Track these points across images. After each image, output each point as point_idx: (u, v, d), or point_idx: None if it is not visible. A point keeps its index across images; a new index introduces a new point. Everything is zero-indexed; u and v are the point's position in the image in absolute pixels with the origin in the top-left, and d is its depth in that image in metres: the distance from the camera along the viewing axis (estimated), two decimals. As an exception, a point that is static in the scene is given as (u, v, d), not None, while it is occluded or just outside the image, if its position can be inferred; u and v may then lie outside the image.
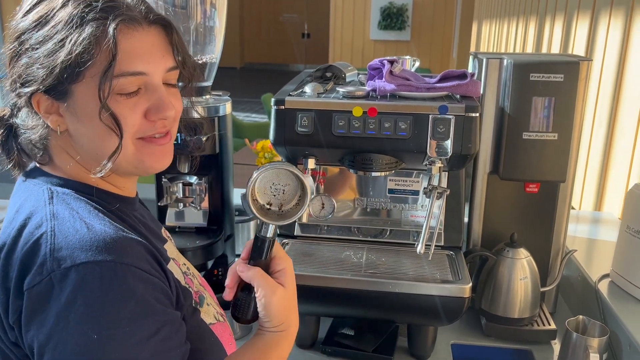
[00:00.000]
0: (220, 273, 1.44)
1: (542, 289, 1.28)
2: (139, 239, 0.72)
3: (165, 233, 0.92)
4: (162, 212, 1.44)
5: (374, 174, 1.12)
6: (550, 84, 1.16)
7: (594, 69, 2.19)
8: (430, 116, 1.06)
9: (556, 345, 1.24)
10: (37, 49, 0.71)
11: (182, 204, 1.42)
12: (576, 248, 1.37)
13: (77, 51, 0.69)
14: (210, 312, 0.86)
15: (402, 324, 1.24)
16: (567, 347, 1.12)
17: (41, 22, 0.72)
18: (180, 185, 1.40)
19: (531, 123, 1.18)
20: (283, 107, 1.09)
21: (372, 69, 1.17)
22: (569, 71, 1.15)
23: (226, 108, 1.39)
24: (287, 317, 0.83)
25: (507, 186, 1.29)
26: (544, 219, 1.31)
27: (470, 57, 1.40)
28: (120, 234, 0.70)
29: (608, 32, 2.17)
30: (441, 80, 1.12)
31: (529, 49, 3.69)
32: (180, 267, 0.84)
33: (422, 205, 1.24)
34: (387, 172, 1.13)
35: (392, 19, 9.07)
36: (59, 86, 0.72)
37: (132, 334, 0.65)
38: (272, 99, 1.09)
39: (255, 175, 0.79)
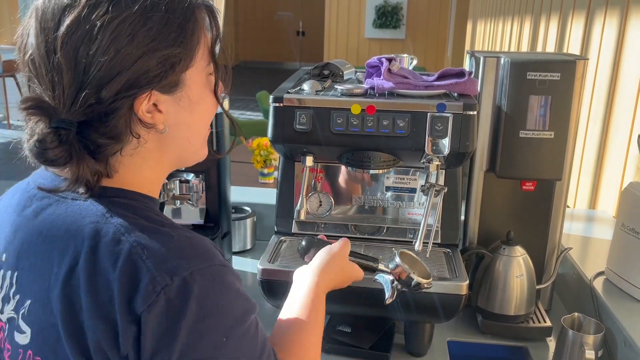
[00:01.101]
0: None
1: (537, 287, 1.28)
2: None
3: None
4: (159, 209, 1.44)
5: (371, 171, 1.12)
6: (547, 82, 1.16)
7: (589, 68, 2.20)
8: (429, 114, 1.06)
9: (552, 343, 1.25)
10: (141, 40, 0.65)
11: (179, 201, 1.42)
12: (571, 246, 1.37)
13: (192, 32, 0.68)
14: None
15: (399, 322, 1.24)
16: (562, 344, 1.13)
17: (144, 15, 0.65)
18: (177, 182, 1.40)
19: (528, 121, 1.18)
20: (281, 104, 1.09)
21: (370, 67, 1.17)
22: (565, 70, 1.16)
23: (223, 106, 1.39)
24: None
25: (504, 184, 1.29)
26: (539, 217, 1.32)
27: (467, 56, 1.41)
28: (199, 237, 0.68)
29: (603, 31, 2.18)
30: (439, 78, 1.13)
31: (524, 47, 3.70)
32: None
33: (419, 203, 1.24)
34: (385, 170, 1.13)
35: (387, 17, 9.08)
36: (172, 77, 0.68)
37: (249, 327, 0.66)
38: (271, 96, 1.09)
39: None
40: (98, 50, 0.63)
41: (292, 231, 1.27)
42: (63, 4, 0.65)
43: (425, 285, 0.96)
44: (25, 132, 0.69)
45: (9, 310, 0.71)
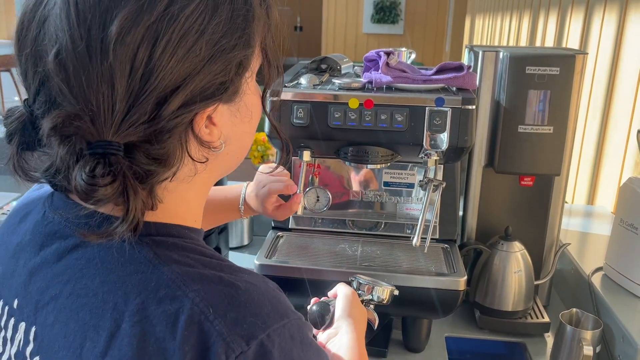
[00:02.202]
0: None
1: (535, 282, 1.28)
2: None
3: None
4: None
5: (369, 166, 1.11)
6: (546, 77, 1.16)
7: (588, 63, 2.19)
8: (427, 108, 1.05)
9: (549, 338, 1.24)
10: (210, 38, 0.52)
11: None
12: (570, 242, 1.37)
13: (253, 26, 0.56)
14: None
15: (397, 317, 1.24)
16: (560, 340, 1.12)
17: (210, 5, 0.52)
18: (174, 177, 1.39)
19: (527, 116, 1.18)
20: (279, 98, 1.08)
21: (368, 61, 1.16)
22: (564, 64, 1.15)
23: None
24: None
25: (502, 179, 1.28)
26: (538, 213, 1.31)
27: (466, 50, 1.40)
28: (263, 281, 0.56)
29: (602, 26, 2.17)
30: (437, 72, 1.12)
31: (523, 42, 3.69)
32: None
33: (417, 198, 1.23)
34: (383, 165, 1.12)
35: (385, 12, 9.06)
36: (232, 86, 0.56)
37: None
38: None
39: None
40: (164, 53, 0.49)
41: (290, 226, 1.27)
42: None
43: (394, 292, 0.95)
44: (33, 155, 0.54)
45: None
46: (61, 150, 0.50)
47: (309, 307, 0.86)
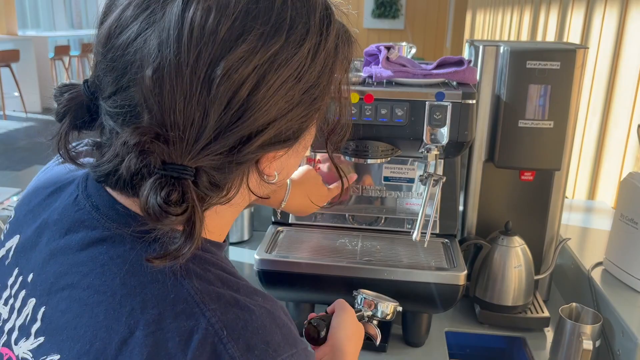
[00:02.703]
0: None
1: (535, 277, 1.28)
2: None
3: None
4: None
5: (369, 161, 1.11)
6: (547, 71, 1.15)
7: (589, 58, 2.19)
8: (427, 103, 1.05)
9: (549, 333, 1.25)
10: (302, 87, 0.53)
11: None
12: (570, 236, 1.37)
13: (334, 72, 0.57)
14: None
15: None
16: (560, 334, 1.13)
17: (311, 54, 0.53)
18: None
19: (527, 111, 1.17)
20: (278, 93, 1.07)
21: (368, 55, 1.16)
22: (565, 59, 1.15)
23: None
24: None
25: (502, 174, 1.28)
26: (538, 208, 1.31)
27: (466, 45, 1.39)
28: (276, 306, 0.56)
29: (603, 20, 2.17)
30: (438, 66, 1.11)
31: (524, 37, 3.68)
32: None
33: (417, 193, 1.23)
34: (383, 160, 1.12)
35: (385, 7, 9.03)
36: (306, 130, 0.58)
37: None
38: (268, 85, 1.08)
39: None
40: (263, 95, 0.50)
41: (290, 221, 1.27)
42: (235, 27, 0.49)
43: (398, 308, 0.96)
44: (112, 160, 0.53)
45: (25, 349, 0.56)
46: (133, 161, 0.49)
47: (305, 322, 0.86)
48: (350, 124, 0.71)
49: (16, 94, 7.67)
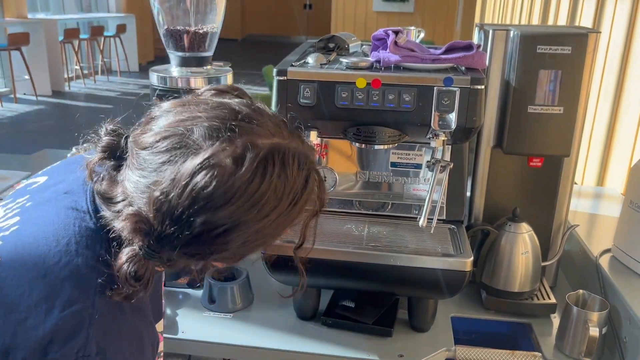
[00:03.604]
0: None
1: (542, 264, 1.27)
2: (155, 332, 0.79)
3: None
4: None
5: (376, 146, 1.10)
6: (557, 56, 1.14)
7: (601, 42, 2.15)
8: (435, 88, 1.04)
9: (556, 319, 1.24)
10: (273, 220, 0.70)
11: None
12: (578, 223, 1.36)
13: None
14: None
15: (403, 297, 1.24)
16: (566, 321, 1.12)
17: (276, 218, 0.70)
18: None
19: (537, 96, 1.16)
20: (285, 77, 1.07)
21: (376, 40, 1.15)
22: (576, 43, 1.13)
23: (227, 79, 1.37)
24: None
25: (511, 160, 1.27)
26: (546, 194, 1.30)
27: (476, 29, 1.37)
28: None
29: (616, 4, 2.13)
30: (447, 51, 1.10)
31: (535, 21, 3.63)
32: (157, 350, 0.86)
33: (424, 179, 1.23)
34: (390, 145, 1.12)
35: (395, -10, 8.92)
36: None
37: None
38: (274, 70, 1.07)
39: None
40: (225, 241, 0.68)
41: (296, 206, 1.26)
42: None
43: None
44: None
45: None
46: (126, 228, 0.67)
47: None
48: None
49: (26, 77, 7.68)
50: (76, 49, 8.67)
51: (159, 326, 0.86)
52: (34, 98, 7.67)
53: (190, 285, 1.35)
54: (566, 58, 1.14)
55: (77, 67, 8.84)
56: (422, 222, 1.04)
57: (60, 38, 8.32)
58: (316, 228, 0.86)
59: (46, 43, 7.92)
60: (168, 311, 1.24)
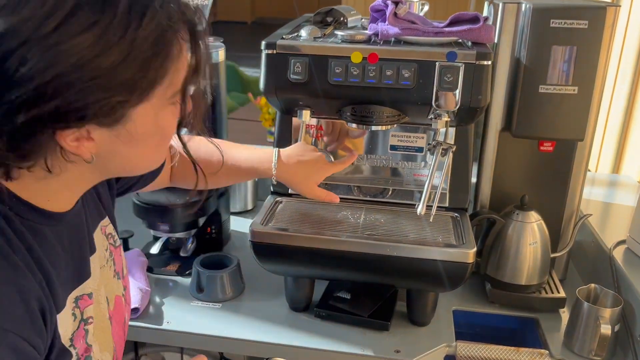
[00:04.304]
0: (213, 231, 1.37)
1: (552, 255, 1.20)
2: (30, 287, 0.62)
3: (102, 234, 0.82)
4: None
5: (373, 127, 1.02)
6: (573, 31, 1.05)
7: (620, 17, 2.04)
8: (437, 64, 0.95)
9: (565, 315, 1.17)
10: (88, 73, 0.54)
11: (171, 158, 1.34)
12: (591, 212, 1.28)
13: (158, 67, 0.58)
14: None
15: (401, 289, 1.17)
16: (576, 317, 1.06)
17: (97, 34, 0.54)
18: (170, 137, 1.32)
19: (549, 75, 1.08)
20: (274, 51, 0.99)
21: (374, 11, 1.06)
22: (594, 17, 1.05)
23: (219, 55, 1.30)
24: None
25: (520, 144, 1.20)
26: (558, 181, 1.22)
27: (486, 3, 1.29)
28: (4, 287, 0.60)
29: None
30: (451, 24, 1.02)
31: None
32: (81, 312, 0.72)
33: (427, 164, 1.15)
34: (389, 126, 1.04)
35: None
36: (115, 115, 0.58)
37: None
38: (263, 42, 0.99)
39: None
40: (33, 67, 0.52)
41: (290, 192, 1.19)
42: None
43: None
44: None
45: None
46: None
47: None
48: (201, 111, 0.71)
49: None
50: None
51: (85, 288, 0.73)
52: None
53: (180, 272, 1.29)
54: (582, 33, 1.06)
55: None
56: (420, 209, 0.96)
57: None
58: (203, 102, 0.70)
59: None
60: (155, 299, 1.19)
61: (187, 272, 1.27)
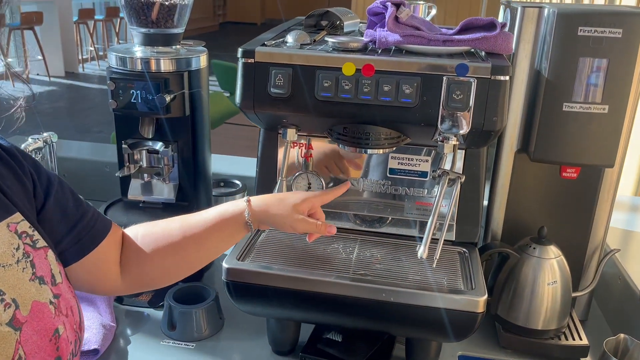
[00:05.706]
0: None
1: (573, 294, 1.06)
2: None
3: (8, 230, 0.71)
4: (125, 182, 1.24)
5: (369, 151, 0.88)
6: (604, 40, 0.92)
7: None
8: (445, 78, 0.81)
9: (588, 366, 1.02)
10: None
11: (146, 174, 1.21)
12: (615, 242, 1.14)
13: None
14: None
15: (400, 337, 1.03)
16: (603, 374, 0.91)
17: None
18: (145, 152, 1.19)
19: (575, 91, 0.96)
20: (252, 60, 0.84)
21: (372, 15, 0.92)
22: (629, 25, 0.91)
23: (200, 61, 1.16)
24: None
25: (539, 169, 1.07)
26: (581, 211, 1.09)
27: (501, 7, 1.15)
28: None
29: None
30: (462, 31, 0.87)
31: None
32: None
33: (431, 191, 1.00)
34: (387, 150, 0.89)
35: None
36: None
37: None
38: (239, 49, 0.85)
39: None
40: None
41: (275, 217, 1.05)
42: None
43: None
44: None
45: None
46: None
47: None
48: None
49: (39, 57, 7.65)
50: (91, 30, 8.61)
51: None
52: (47, 79, 7.65)
53: (152, 304, 1.16)
54: (615, 43, 0.92)
55: (92, 49, 8.77)
56: (421, 252, 0.81)
57: (75, 18, 8.30)
58: None
59: (60, 23, 7.92)
60: (120, 337, 1.06)
61: (161, 304, 1.14)
